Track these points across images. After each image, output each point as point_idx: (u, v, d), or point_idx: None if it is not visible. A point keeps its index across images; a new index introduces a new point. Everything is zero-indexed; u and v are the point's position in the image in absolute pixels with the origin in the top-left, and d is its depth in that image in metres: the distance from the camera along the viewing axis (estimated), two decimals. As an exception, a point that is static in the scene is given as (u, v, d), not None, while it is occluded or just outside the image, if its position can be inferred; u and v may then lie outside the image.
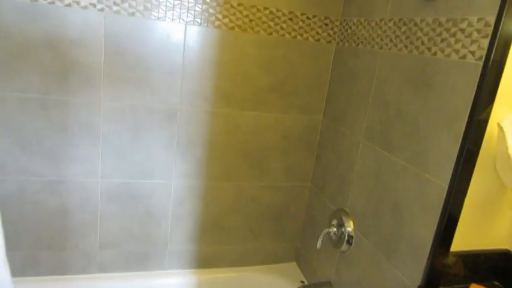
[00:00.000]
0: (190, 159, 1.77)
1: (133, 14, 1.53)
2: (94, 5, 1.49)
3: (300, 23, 1.72)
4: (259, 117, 1.80)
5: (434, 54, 1.18)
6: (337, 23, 1.76)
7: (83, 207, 1.70)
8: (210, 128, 1.75)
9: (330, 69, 1.82)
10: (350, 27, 1.67)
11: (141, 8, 1.53)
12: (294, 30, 1.72)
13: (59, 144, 1.60)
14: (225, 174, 1.84)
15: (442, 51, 1.15)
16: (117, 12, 1.51)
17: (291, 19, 1.70)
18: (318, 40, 1.77)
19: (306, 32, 1.74)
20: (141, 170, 1.72)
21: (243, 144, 1.82)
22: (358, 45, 1.60)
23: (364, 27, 1.56)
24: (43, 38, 1.47)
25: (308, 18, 1.72)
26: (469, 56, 1.05)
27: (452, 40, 1.11)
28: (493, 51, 0.98)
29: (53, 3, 1.45)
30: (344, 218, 1.61)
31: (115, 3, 1.50)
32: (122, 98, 1.61)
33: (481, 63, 1.02)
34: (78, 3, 1.47)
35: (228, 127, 1.78)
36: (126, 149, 1.68)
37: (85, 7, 1.48)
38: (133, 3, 1.52)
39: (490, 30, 0.99)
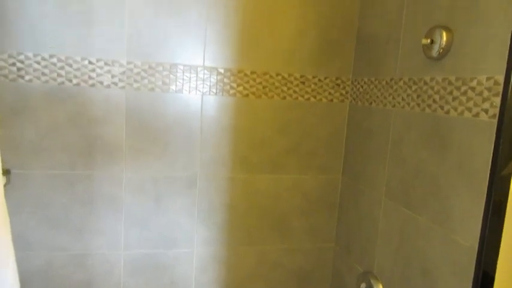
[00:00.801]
0: (212, 225, 1.77)
1: (152, 89, 1.62)
2: (116, 84, 1.58)
3: (312, 86, 1.77)
4: (278, 180, 1.81)
5: (447, 112, 1.18)
6: (349, 83, 1.81)
7: (107, 280, 1.69)
8: (230, 193, 1.76)
9: (345, 127, 1.84)
10: (362, 86, 1.71)
11: (160, 83, 1.62)
12: (306, 92, 1.77)
13: (83, 218, 1.63)
14: (247, 239, 1.82)
15: (455, 109, 1.15)
16: (138, 88, 1.60)
17: (303, 82, 1.76)
18: (331, 100, 1.80)
19: (318, 93, 1.78)
20: (164, 239, 1.72)
21: (264, 208, 1.81)
22: (371, 103, 1.63)
23: (376, 86, 1.59)
24: (69, 117, 1.56)
25: (320, 80, 1.77)
26: (483, 114, 1.05)
27: (463, 98, 1.12)
28: (506, 108, 0.98)
29: (78, 84, 1.55)
30: (373, 281, 1.54)
31: (135, 81, 1.60)
32: (143, 170, 1.65)
33: (495, 121, 1.01)
34: (101, 83, 1.57)
35: (248, 191, 1.78)
36: (148, 219, 1.69)
37: (108, 86, 1.58)
38: (153, 79, 1.61)
39: (500, 88, 1.00)
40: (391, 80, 1.48)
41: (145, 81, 1.61)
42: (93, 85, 1.56)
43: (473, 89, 1.09)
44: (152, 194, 1.68)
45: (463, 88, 1.12)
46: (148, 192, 1.68)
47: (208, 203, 1.75)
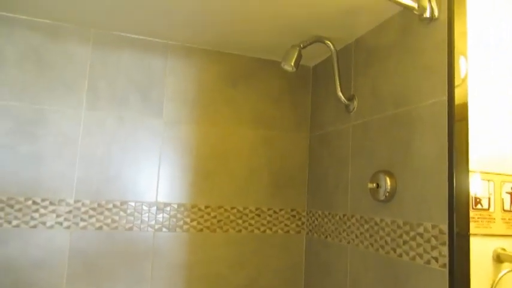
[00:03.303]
0: None
1: (100, 228, 1.53)
2: (60, 223, 1.49)
3: (268, 218, 1.76)
4: (235, 320, 1.67)
5: (400, 256, 1.18)
6: (304, 214, 1.81)
7: None
8: None
9: (304, 260, 1.79)
10: (316, 219, 1.71)
11: (109, 221, 1.55)
12: (262, 225, 1.75)
13: None
14: None
15: (407, 253, 1.15)
16: (84, 227, 1.52)
17: (258, 215, 1.74)
18: (288, 232, 1.78)
19: (274, 225, 1.76)
20: None
21: None
22: (326, 237, 1.61)
23: (330, 220, 1.60)
24: (3, 262, 1.42)
25: (275, 212, 1.77)
26: (433, 262, 1.05)
27: (413, 243, 1.13)
28: (455, 260, 0.98)
29: (17, 226, 1.45)
30: None
31: (82, 220, 1.52)
32: (83, 318, 1.48)
33: (446, 270, 1.01)
34: (44, 223, 1.47)
35: (202, 336, 1.62)
36: None
37: (51, 227, 1.48)
38: (101, 218, 1.54)
39: (445, 238, 1.02)
40: (344, 216, 1.50)
41: (93, 219, 1.53)
42: (34, 226, 1.46)
43: (421, 235, 1.11)
44: None
45: (412, 233, 1.14)
46: None
47: None
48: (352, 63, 1.56)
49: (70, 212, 1.51)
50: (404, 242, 1.17)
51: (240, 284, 1.69)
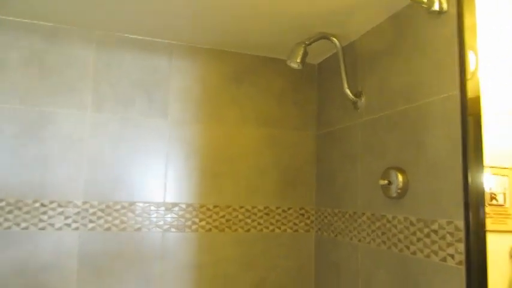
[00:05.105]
0: None
1: (109, 228, 1.52)
2: (69, 225, 1.48)
3: (277, 216, 1.74)
4: (245, 320, 1.65)
5: (414, 253, 1.16)
6: (313, 212, 1.80)
7: None
8: None
9: (313, 259, 1.78)
10: (326, 217, 1.69)
11: (117, 222, 1.54)
12: (271, 224, 1.73)
13: None
14: None
15: (421, 251, 1.14)
16: (93, 229, 1.51)
17: (267, 214, 1.73)
18: (296, 231, 1.77)
19: (283, 224, 1.75)
20: None
21: None
22: (336, 235, 1.60)
23: (340, 219, 1.58)
24: (13, 265, 1.41)
25: (284, 211, 1.76)
26: (449, 259, 1.03)
27: (428, 241, 1.11)
28: (471, 257, 0.97)
29: (26, 228, 1.44)
30: None
31: (91, 221, 1.51)
32: (93, 321, 1.47)
33: (462, 267, 0.99)
34: (52, 225, 1.46)
35: (212, 337, 1.61)
36: None
37: (59, 228, 1.47)
38: (109, 218, 1.53)
39: (462, 234, 1.00)
40: (354, 213, 1.48)
41: (101, 221, 1.52)
42: (43, 228, 1.45)
43: (435, 232, 1.09)
44: None
45: (426, 230, 1.12)
46: None
47: None
48: (358, 59, 1.54)
49: (78, 213, 1.50)
50: (418, 240, 1.15)
51: (249, 284, 1.67)
